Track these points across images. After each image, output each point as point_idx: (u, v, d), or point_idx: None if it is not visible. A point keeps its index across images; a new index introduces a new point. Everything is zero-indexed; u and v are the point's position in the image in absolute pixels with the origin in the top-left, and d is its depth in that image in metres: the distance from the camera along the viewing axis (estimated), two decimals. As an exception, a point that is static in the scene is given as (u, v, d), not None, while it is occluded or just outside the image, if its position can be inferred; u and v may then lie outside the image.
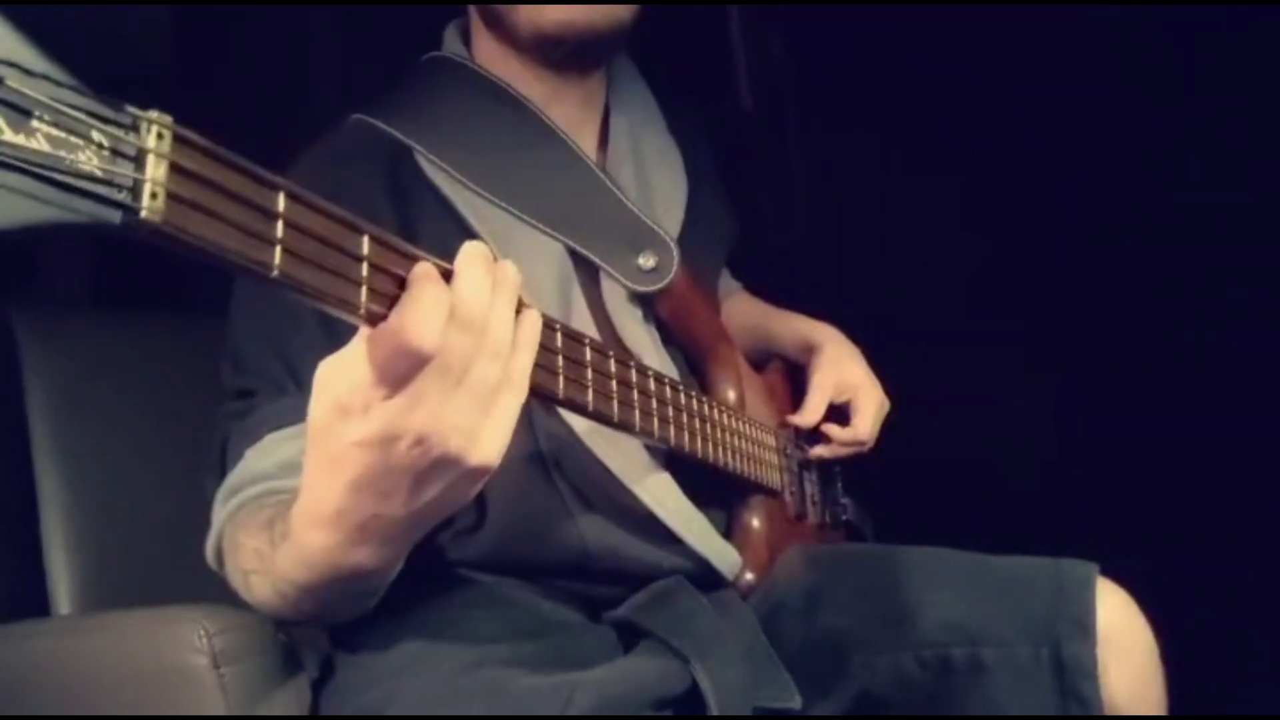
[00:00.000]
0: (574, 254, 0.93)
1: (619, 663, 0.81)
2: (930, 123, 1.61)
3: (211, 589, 0.79)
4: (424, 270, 0.52)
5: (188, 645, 0.75)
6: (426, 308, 0.51)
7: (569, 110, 0.98)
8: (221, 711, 0.75)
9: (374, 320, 0.52)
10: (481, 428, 0.55)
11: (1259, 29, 1.34)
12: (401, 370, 0.52)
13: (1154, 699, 0.85)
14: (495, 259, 0.56)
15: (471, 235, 0.89)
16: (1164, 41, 1.43)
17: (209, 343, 0.90)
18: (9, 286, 1.23)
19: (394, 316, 0.51)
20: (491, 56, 0.98)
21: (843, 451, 1.12)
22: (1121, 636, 0.84)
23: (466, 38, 1.01)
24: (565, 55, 0.94)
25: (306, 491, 0.61)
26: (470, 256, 0.55)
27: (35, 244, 1.33)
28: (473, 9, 0.99)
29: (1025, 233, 1.56)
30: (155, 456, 1.15)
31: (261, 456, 0.77)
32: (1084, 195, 1.53)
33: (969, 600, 0.86)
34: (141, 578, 1.10)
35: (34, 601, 1.06)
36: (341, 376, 0.54)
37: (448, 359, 0.53)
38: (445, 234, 0.89)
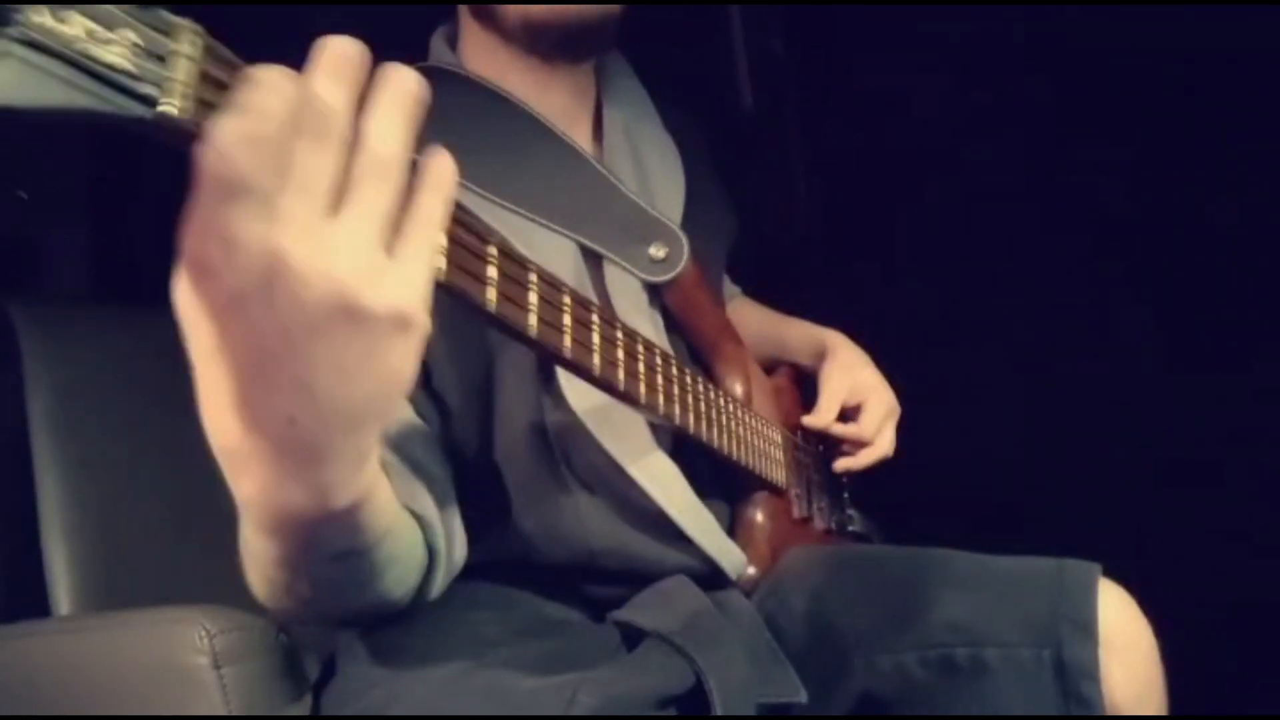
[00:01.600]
0: (583, 249, 0.93)
1: (622, 661, 0.81)
2: (930, 122, 1.61)
3: (212, 589, 0.79)
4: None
5: (189, 645, 0.75)
6: (262, 83, 0.42)
7: (561, 102, 0.99)
8: (221, 712, 0.75)
9: None
10: (377, 261, 0.45)
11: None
12: (238, 168, 0.41)
13: (1155, 699, 0.85)
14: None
15: None
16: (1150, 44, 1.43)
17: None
18: (10, 282, 1.23)
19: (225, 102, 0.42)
20: (480, 56, 0.98)
21: (860, 462, 1.12)
22: (1123, 637, 0.84)
23: (452, 44, 1.01)
24: (553, 44, 0.95)
25: (208, 431, 0.51)
26: (323, 45, 0.45)
27: (36, 241, 1.33)
28: (461, 6, 1.00)
29: (1026, 231, 1.56)
30: (156, 455, 1.15)
31: None
32: (1083, 194, 1.53)
33: (971, 601, 0.86)
34: (141, 578, 1.10)
35: (34, 601, 1.05)
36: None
37: (304, 173, 0.43)
38: None
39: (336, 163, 0.44)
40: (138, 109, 0.41)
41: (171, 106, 0.41)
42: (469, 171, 0.91)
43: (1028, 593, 0.85)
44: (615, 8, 0.94)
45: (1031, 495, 1.50)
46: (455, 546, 0.78)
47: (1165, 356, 1.47)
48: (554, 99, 0.98)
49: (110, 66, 0.40)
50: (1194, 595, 1.22)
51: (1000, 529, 0.95)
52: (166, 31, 0.41)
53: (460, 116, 0.96)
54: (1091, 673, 0.80)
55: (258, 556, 0.61)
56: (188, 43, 0.42)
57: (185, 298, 0.46)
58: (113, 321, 1.21)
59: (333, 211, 0.44)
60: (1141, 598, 0.87)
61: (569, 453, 0.87)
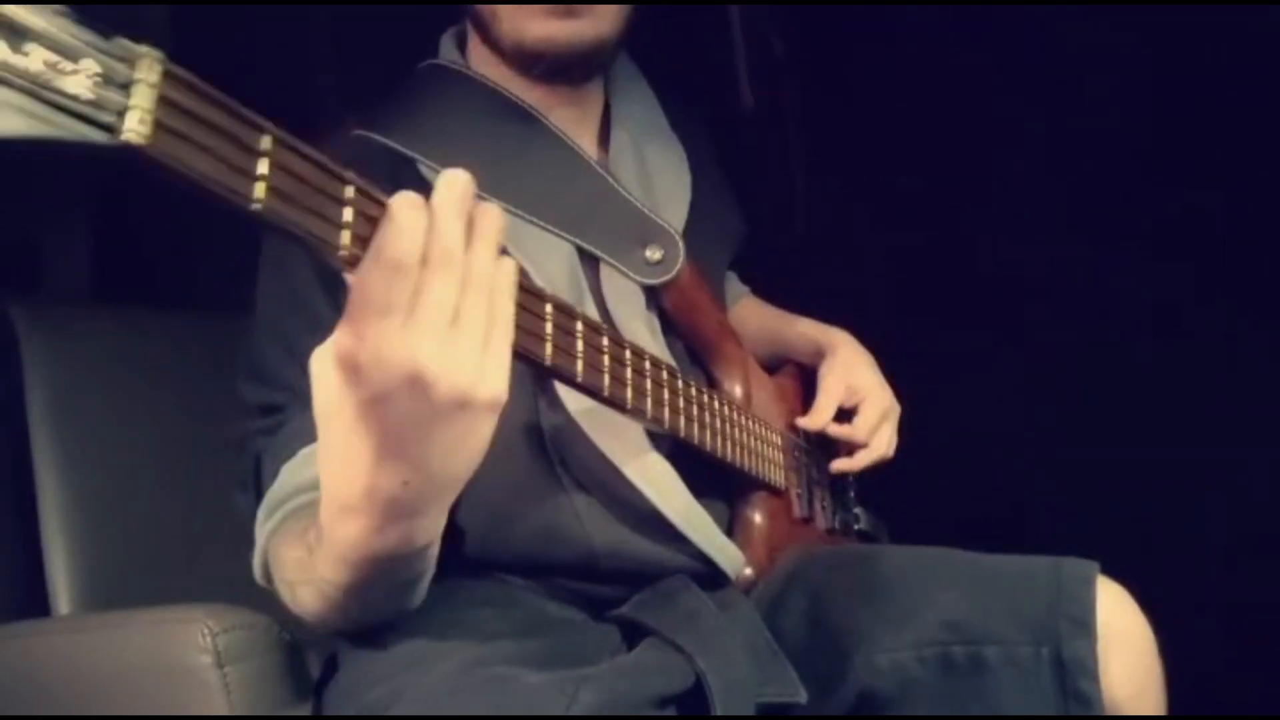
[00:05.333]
0: (580, 251, 0.93)
1: (623, 659, 0.81)
2: (930, 121, 1.61)
3: (211, 588, 0.79)
4: (406, 197, 0.54)
5: (192, 644, 0.75)
6: (406, 224, 0.53)
7: (565, 114, 0.99)
8: (224, 711, 0.75)
9: (354, 264, 0.54)
10: (484, 362, 0.57)
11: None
12: (387, 294, 0.53)
13: (1154, 696, 0.85)
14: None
15: None
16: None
17: (210, 341, 0.90)
18: (10, 283, 1.23)
19: (375, 238, 0.53)
20: (486, 64, 0.99)
21: (857, 464, 1.12)
22: (1121, 634, 0.84)
23: (462, 45, 1.02)
24: (548, 70, 0.96)
25: (327, 485, 0.63)
26: (448, 187, 0.56)
27: (36, 241, 1.33)
28: (469, 20, 1.00)
29: (1027, 231, 1.56)
30: (156, 455, 1.15)
31: (299, 470, 0.78)
32: (1083, 193, 1.53)
33: (970, 599, 0.86)
34: (141, 578, 1.10)
35: (34, 601, 1.06)
36: (330, 354, 0.57)
37: (436, 298, 0.54)
38: None
39: (457, 287, 0.55)
40: (100, 137, 0.41)
41: (133, 134, 0.42)
42: (469, 171, 0.91)
43: (1026, 590, 0.85)
44: (608, 34, 0.94)
45: (1031, 495, 1.50)
46: None
47: (1165, 355, 1.47)
48: (558, 112, 0.99)
49: (71, 96, 0.40)
50: (1193, 593, 1.23)
51: (1000, 528, 0.95)
52: (128, 59, 0.42)
53: (465, 117, 0.97)
54: (1090, 670, 0.81)
55: (328, 580, 0.69)
56: (148, 69, 0.42)
57: (331, 388, 0.57)
58: (112, 322, 1.21)
59: (452, 325, 0.55)
60: (1140, 595, 0.87)
61: (565, 455, 0.88)
